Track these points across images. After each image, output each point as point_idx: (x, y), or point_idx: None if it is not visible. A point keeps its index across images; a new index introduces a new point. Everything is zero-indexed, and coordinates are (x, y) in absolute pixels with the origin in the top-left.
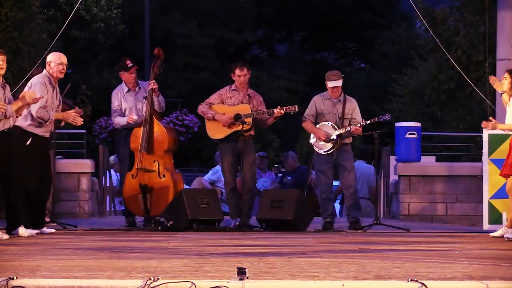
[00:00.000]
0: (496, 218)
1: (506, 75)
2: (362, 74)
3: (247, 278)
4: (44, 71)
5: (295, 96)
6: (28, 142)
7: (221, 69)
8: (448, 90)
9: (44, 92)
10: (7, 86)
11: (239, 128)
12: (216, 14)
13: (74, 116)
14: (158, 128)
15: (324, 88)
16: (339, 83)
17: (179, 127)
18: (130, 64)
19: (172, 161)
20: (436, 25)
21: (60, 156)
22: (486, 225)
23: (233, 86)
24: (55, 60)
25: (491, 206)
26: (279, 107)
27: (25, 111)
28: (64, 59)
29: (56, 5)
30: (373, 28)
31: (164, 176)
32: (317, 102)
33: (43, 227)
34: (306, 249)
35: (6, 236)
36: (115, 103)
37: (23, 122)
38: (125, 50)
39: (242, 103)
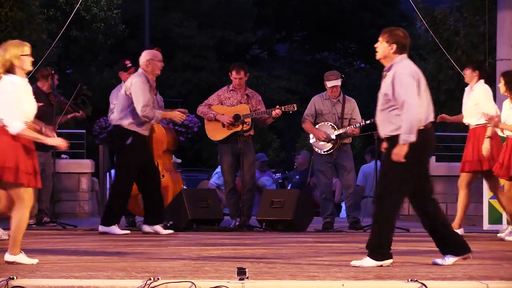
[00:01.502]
0: (496, 218)
1: (500, 78)
2: (362, 74)
3: (247, 278)
4: (140, 69)
5: (295, 96)
6: (128, 141)
7: (221, 69)
8: (448, 90)
9: (145, 90)
10: None
11: (239, 128)
12: (216, 14)
13: (181, 116)
14: (157, 128)
15: (324, 88)
16: (338, 82)
17: (178, 127)
18: (129, 65)
19: (172, 161)
20: (436, 25)
21: (66, 156)
22: (486, 225)
23: (230, 87)
24: (155, 58)
25: (491, 206)
26: (277, 106)
27: (120, 112)
28: (161, 56)
29: (56, 5)
30: (373, 28)
31: (163, 176)
32: (316, 102)
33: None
34: (306, 249)
35: (6, 236)
36: (113, 102)
37: (123, 121)
38: (125, 50)
39: (240, 103)
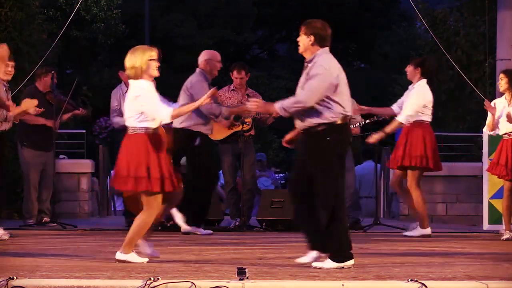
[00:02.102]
0: (496, 218)
1: (502, 75)
2: (362, 74)
3: (247, 278)
4: (198, 69)
5: None
6: (196, 142)
7: (221, 69)
8: (448, 90)
9: (205, 89)
10: (9, 91)
11: (239, 128)
12: (216, 14)
13: (250, 107)
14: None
15: None
16: None
17: None
18: None
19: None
20: (436, 25)
21: (63, 156)
22: (486, 225)
23: (231, 86)
24: (214, 58)
25: (491, 206)
26: None
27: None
28: (219, 57)
29: (56, 5)
30: (373, 28)
31: None
32: None
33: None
34: (306, 249)
35: (6, 237)
36: (114, 103)
37: (187, 123)
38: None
39: (241, 103)
